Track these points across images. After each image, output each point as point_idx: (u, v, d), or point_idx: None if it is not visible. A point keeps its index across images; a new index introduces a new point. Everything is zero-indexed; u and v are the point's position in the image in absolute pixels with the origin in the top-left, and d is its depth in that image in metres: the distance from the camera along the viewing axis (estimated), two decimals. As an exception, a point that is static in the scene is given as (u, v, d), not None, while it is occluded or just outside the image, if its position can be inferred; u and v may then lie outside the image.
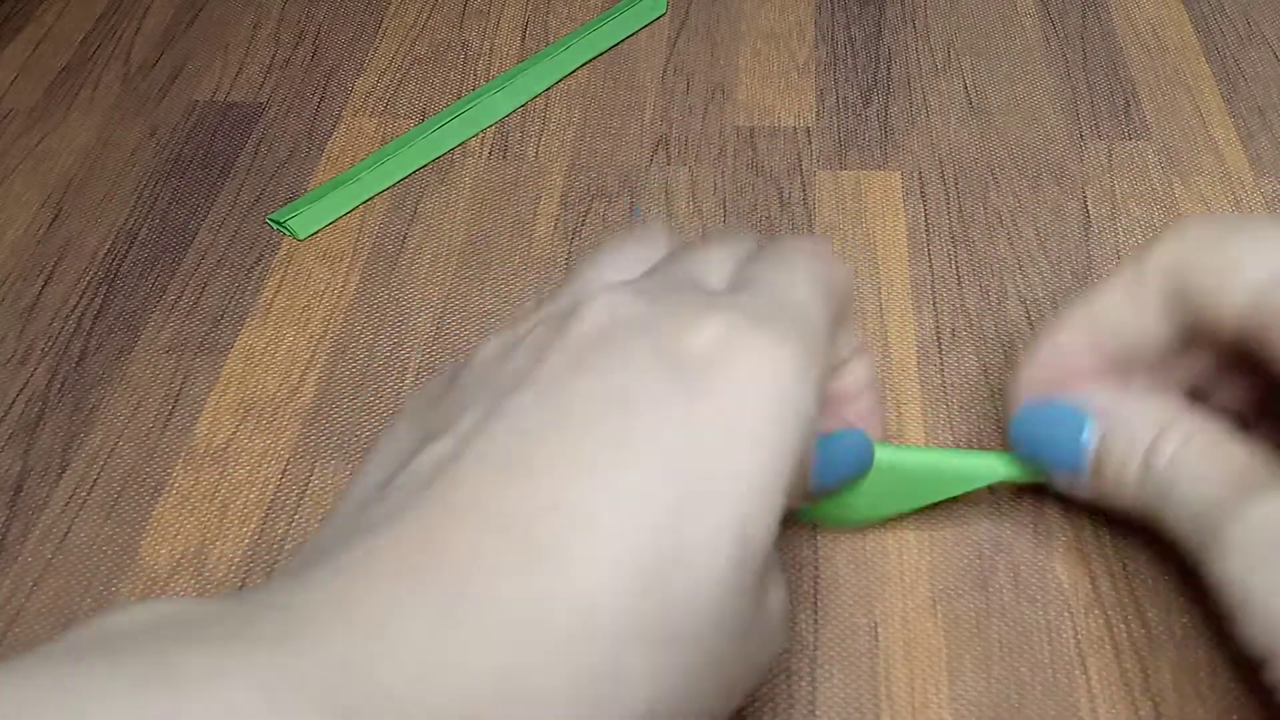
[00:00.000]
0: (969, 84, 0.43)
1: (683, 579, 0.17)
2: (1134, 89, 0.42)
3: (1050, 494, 0.28)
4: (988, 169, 0.39)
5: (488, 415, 0.19)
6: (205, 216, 0.40)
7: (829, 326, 0.21)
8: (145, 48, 0.47)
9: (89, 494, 0.31)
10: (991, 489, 0.29)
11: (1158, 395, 0.25)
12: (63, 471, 0.32)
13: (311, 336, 0.35)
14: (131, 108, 0.44)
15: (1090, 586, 0.28)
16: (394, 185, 0.40)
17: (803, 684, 0.26)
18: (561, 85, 0.44)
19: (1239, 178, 0.38)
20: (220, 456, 0.32)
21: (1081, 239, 0.36)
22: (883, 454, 0.27)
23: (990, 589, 0.28)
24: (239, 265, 0.38)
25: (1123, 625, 0.27)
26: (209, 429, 0.33)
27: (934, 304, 0.35)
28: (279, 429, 0.33)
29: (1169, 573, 0.28)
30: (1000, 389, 0.32)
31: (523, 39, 0.46)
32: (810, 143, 0.41)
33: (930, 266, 0.36)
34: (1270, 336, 0.22)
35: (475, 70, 0.45)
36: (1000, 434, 0.31)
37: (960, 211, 0.38)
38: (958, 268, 0.36)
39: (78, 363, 0.35)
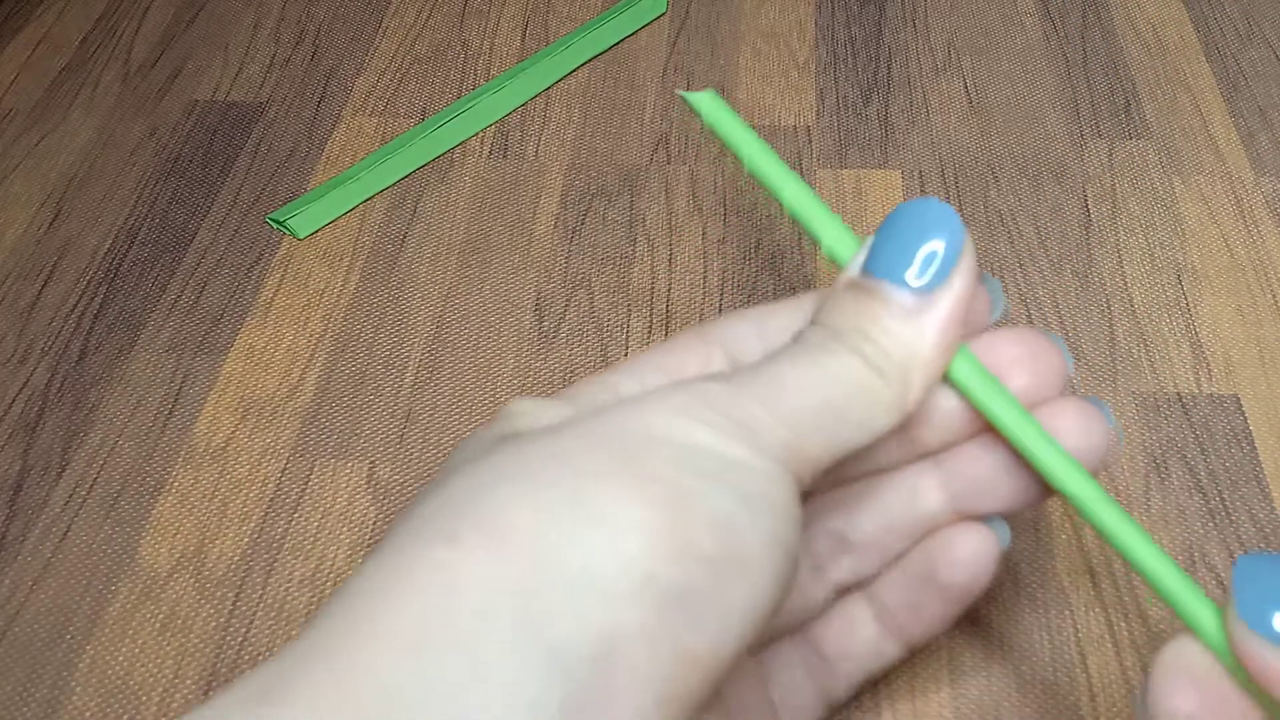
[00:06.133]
0: (969, 83, 0.43)
1: None
2: (1134, 88, 0.42)
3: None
4: (988, 168, 0.39)
5: None
6: (205, 216, 0.40)
7: None
8: (145, 47, 0.47)
9: (88, 493, 0.31)
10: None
11: None
12: (62, 471, 0.32)
13: (311, 335, 0.35)
14: (131, 107, 0.44)
15: (1090, 586, 0.28)
16: (394, 185, 0.40)
17: (803, 683, 0.26)
18: (561, 85, 0.44)
19: (1239, 177, 0.38)
20: (220, 455, 0.32)
21: (1082, 238, 0.36)
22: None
23: (990, 589, 0.28)
24: (239, 265, 0.38)
25: (1123, 623, 0.27)
26: (209, 428, 0.33)
27: (934, 303, 0.35)
28: (279, 428, 0.33)
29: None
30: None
31: (523, 39, 0.46)
32: (810, 142, 0.41)
33: (930, 266, 0.36)
34: None
35: (475, 70, 0.45)
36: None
37: (960, 211, 0.38)
38: (958, 267, 0.36)
39: (77, 362, 0.35)
